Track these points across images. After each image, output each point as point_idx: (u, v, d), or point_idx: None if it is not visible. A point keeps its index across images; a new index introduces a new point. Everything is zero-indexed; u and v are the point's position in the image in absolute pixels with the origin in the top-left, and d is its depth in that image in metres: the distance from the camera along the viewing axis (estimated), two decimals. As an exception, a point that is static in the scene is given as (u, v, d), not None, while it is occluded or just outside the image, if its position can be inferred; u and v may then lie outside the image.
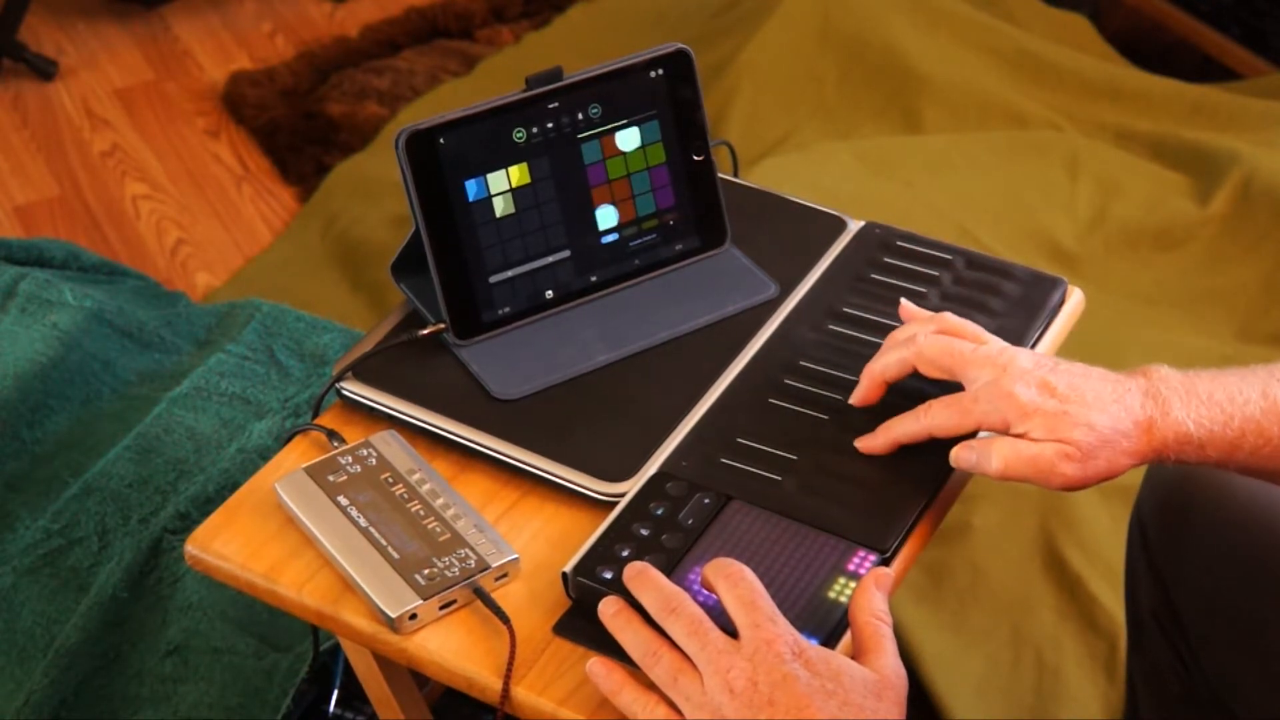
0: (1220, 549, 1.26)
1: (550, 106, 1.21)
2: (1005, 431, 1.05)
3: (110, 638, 1.51)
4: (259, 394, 1.69)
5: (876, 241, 1.29)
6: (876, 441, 1.11)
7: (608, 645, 1.00)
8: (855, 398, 1.14)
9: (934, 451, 1.10)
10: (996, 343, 1.10)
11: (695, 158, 1.26)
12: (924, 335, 1.11)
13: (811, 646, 0.95)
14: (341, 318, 1.98)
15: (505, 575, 1.07)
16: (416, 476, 1.12)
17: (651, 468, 1.12)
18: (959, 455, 1.07)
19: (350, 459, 1.13)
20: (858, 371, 1.16)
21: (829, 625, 1.01)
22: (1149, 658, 1.37)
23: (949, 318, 1.13)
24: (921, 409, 1.09)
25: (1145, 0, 2.74)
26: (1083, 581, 1.76)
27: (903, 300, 1.18)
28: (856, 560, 1.04)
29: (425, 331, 1.20)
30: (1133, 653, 1.42)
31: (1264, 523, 1.23)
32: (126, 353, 1.78)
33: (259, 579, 1.10)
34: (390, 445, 1.14)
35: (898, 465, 1.11)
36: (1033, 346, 1.22)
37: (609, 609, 1.00)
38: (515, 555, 1.07)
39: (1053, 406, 1.04)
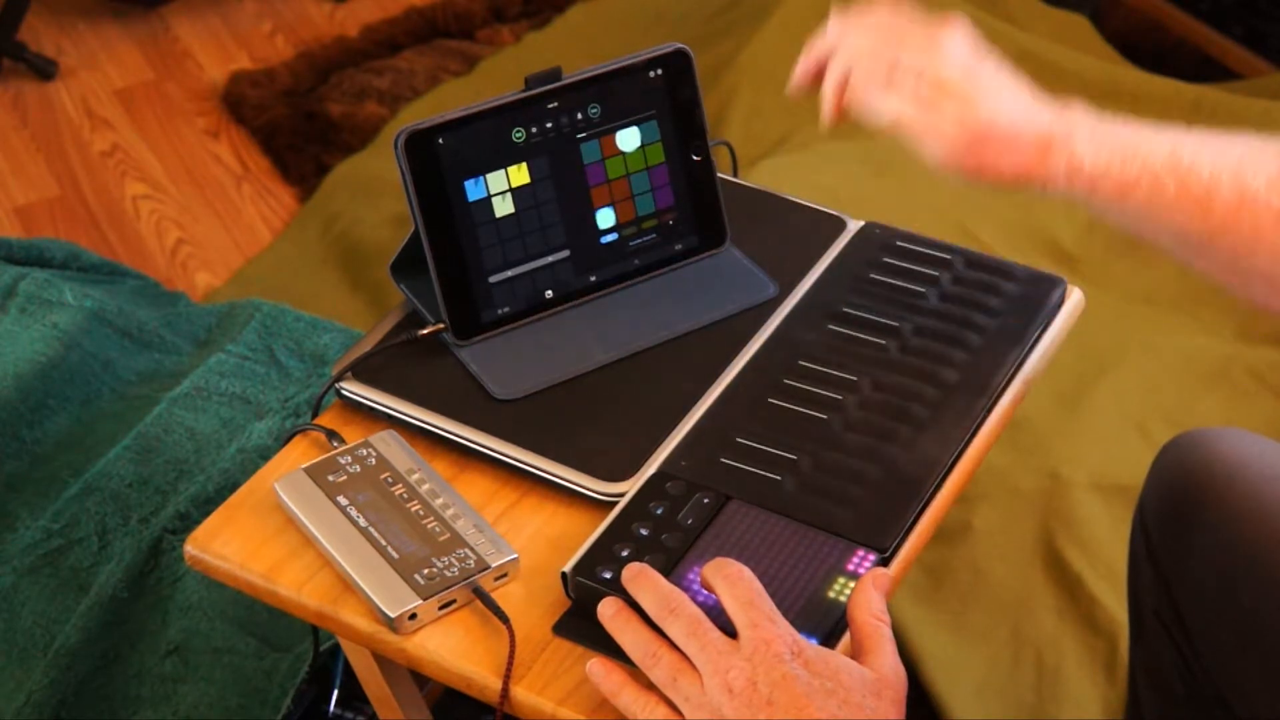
0: (1223, 548, 1.26)
1: (550, 106, 1.21)
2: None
3: (110, 638, 1.51)
4: (259, 394, 1.69)
5: (876, 241, 1.29)
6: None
7: (607, 645, 1.00)
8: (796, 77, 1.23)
9: (932, 452, 1.10)
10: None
11: (694, 157, 1.26)
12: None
13: (810, 646, 0.95)
14: (341, 318, 1.98)
15: (505, 575, 1.07)
16: (416, 476, 1.12)
17: (651, 468, 1.12)
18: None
19: (350, 459, 1.13)
20: (858, 371, 1.16)
21: (828, 625, 1.01)
22: (1151, 656, 1.37)
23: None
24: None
25: (1145, 0, 2.74)
26: (1083, 581, 1.76)
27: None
28: (855, 560, 1.04)
29: (425, 331, 1.20)
30: (1135, 651, 1.42)
31: (1267, 522, 1.23)
32: (126, 353, 1.78)
33: (258, 579, 1.10)
34: (390, 445, 1.14)
35: (897, 465, 1.11)
36: (1032, 346, 1.22)
37: (608, 609, 1.00)
38: (514, 555, 1.07)
39: (963, 90, 1.08)
